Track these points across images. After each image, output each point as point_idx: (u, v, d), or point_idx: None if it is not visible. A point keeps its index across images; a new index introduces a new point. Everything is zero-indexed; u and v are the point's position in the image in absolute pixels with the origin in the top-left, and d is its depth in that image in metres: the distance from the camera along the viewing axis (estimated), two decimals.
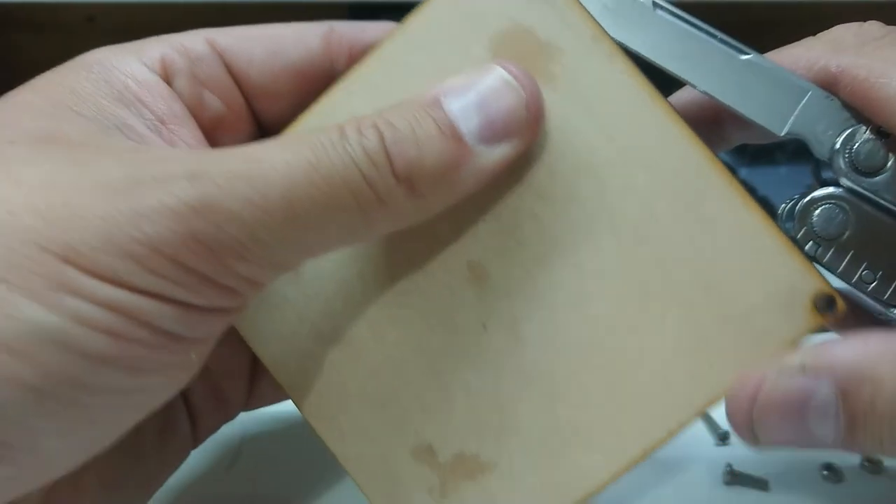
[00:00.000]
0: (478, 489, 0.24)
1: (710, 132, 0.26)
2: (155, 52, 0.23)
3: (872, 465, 0.30)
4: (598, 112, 0.22)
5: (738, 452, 0.31)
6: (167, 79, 0.23)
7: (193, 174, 0.18)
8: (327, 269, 0.24)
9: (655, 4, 0.22)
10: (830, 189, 0.22)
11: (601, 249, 0.22)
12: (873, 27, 0.23)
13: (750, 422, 0.21)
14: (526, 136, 0.21)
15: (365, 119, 0.20)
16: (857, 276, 0.22)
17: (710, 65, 0.22)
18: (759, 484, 0.29)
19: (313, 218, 0.19)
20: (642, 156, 0.22)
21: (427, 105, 0.20)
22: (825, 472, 0.30)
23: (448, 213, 0.21)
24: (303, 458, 0.24)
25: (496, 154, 0.21)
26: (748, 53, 0.22)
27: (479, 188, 0.21)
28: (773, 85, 0.22)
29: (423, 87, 0.21)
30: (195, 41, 0.23)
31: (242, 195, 0.18)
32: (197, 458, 0.31)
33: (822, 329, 0.22)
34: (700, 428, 0.32)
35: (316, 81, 0.24)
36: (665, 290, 0.22)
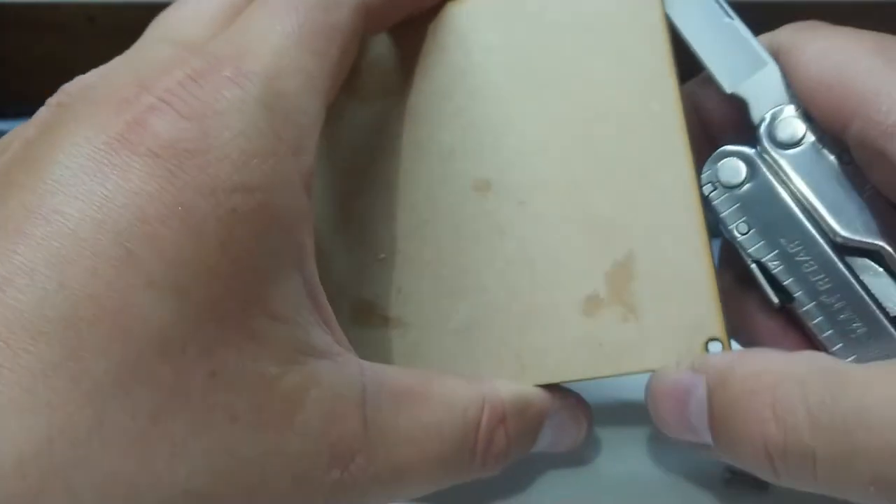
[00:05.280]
0: None
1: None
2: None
3: None
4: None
5: None
6: None
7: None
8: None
9: None
10: (744, 148, 0.25)
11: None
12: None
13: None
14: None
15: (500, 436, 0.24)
16: (735, 224, 0.25)
17: (697, 16, 0.25)
18: (758, 484, 0.29)
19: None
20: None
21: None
22: None
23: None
24: None
25: None
26: (733, 18, 0.25)
27: None
28: (742, 51, 0.25)
29: None
30: None
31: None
32: None
33: None
34: None
35: None
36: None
